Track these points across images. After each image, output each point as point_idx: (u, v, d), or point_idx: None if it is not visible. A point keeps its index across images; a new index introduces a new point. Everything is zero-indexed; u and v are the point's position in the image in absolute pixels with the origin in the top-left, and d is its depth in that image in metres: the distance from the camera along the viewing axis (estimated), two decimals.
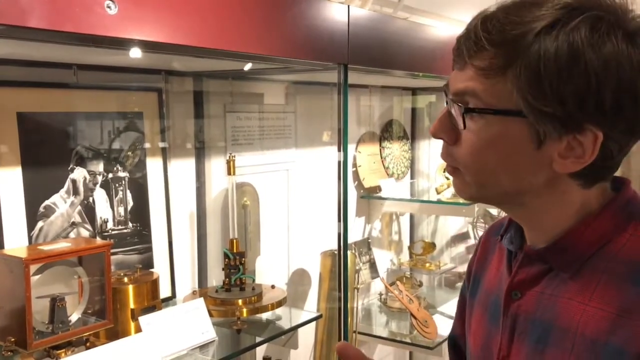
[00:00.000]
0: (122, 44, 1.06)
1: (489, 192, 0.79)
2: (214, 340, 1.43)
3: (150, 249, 1.64)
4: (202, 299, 1.49)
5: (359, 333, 2.29)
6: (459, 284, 2.77)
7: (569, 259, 0.76)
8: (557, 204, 0.77)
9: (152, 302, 1.45)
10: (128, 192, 1.58)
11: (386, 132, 2.61)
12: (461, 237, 3.11)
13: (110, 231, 1.54)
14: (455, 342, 1.08)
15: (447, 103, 0.78)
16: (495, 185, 0.77)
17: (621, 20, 0.69)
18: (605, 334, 0.70)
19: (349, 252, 1.80)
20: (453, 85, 0.76)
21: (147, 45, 1.10)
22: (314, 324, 2.03)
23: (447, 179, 2.57)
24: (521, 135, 0.72)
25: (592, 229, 0.76)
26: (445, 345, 2.16)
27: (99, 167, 1.51)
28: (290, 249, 2.11)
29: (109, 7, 0.94)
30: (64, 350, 1.24)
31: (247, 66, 1.55)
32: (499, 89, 0.71)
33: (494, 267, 0.91)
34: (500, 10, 0.72)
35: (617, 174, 0.80)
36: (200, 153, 1.80)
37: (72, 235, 1.45)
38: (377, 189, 2.48)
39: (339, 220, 1.63)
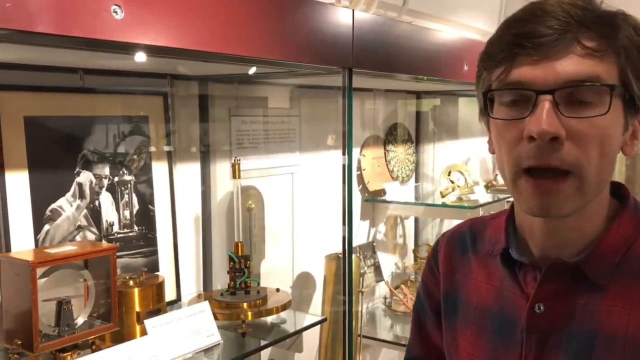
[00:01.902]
0: (128, 48, 1.07)
1: (592, 194, 0.72)
2: (219, 344, 1.44)
3: (155, 252, 1.64)
4: (207, 302, 1.49)
5: (364, 337, 2.29)
6: None
7: (604, 266, 0.75)
8: (597, 205, 0.77)
9: (158, 305, 1.45)
10: (134, 195, 1.58)
11: (390, 136, 2.61)
12: None
13: (115, 234, 1.54)
14: None
15: (534, 102, 0.69)
16: (602, 182, 0.73)
17: None
18: None
19: (353, 256, 1.80)
20: (554, 73, 0.68)
21: (153, 50, 1.10)
22: (318, 327, 2.03)
23: (452, 182, 2.56)
24: (621, 118, 0.72)
25: (620, 235, 0.76)
26: None
27: (105, 170, 1.52)
28: (295, 253, 2.11)
29: (115, 12, 0.95)
30: (70, 353, 1.25)
31: (252, 70, 1.56)
32: (611, 70, 0.70)
33: (480, 281, 0.88)
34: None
35: (623, 177, 0.81)
36: (205, 157, 1.81)
37: (78, 238, 1.45)
38: (382, 192, 2.48)
39: (344, 224, 1.63)
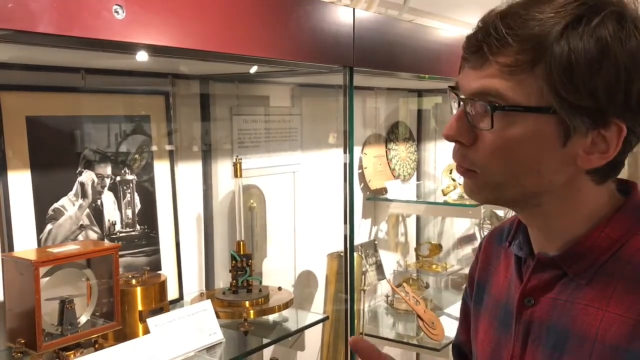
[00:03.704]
0: (129, 48, 1.08)
1: (507, 193, 0.77)
2: (221, 342, 1.44)
3: (157, 251, 1.65)
4: (209, 300, 1.49)
5: (366, 335, 2.29)
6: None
7: (584, 265, 0.75)
8: (572, 204, 0.77)
9: (160, 304, 1.46)
10: (136, 194, 1.59)
11: (392, 134, 2.61)
12: (467, 238, 3.11)
13: (118, 234, 1.55)
14: (460, 349, 1.07)
15: (458, 104, 0.76)
16: (516, 185, 0.75)
17: (639, 15, 0.71)
18: (627, 340, 0.69)
19: (355, 254, 1.80)
20: (469, 84, 0.74)
21: (154, 50, 1.11)
22: (320, 325, 2.03)
23: (454, 180, 2.56)
24: (548, 132, 0.71)
25: (606, 234, 0.75)
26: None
27: (107, 170, 1.52)
28: (296, 251, 2.12)
29: (116, 12, 0.95)
30: (73, 351, 1.26)
31: (253, 69, 1.56)
32: (526, 86, 0.70)
33: (501, 274, 0.91)
34: (517, 6, 0.71)
35: (625, 175, 0.80)
36: (207, 156, 1.81)
37: (80, 237, 1.46)
38: (383, 190, 2.49)
39: (345, 222, 1.63)
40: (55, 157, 1.41)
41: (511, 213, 0.90)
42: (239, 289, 1.66)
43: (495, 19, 0.71)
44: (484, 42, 0.71)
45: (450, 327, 2.21)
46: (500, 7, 0.73)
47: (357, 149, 2.39)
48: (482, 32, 0.72)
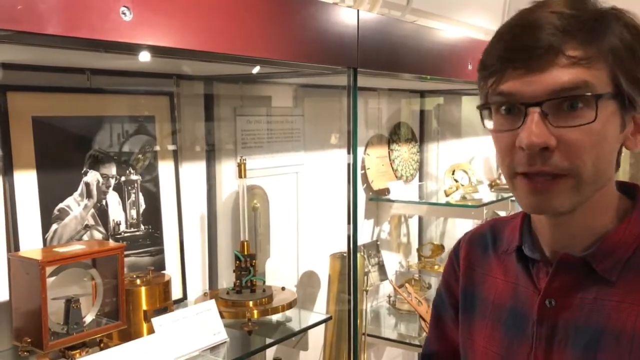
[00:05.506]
0: (136, 49, 1.08)
1: (587, 193, 0.74)
2: (225, 342, 1.45)
3: (162, 251, 1.65)
4: (213, 300, 1.50)
5: (368, 335, 2.30)
6: None
7: (612, 262, 0.76)
8: (609, 197, 0.79)
9: (164, 303, 1.46)
10: (140, 194, 1.60)
11: (394, 135, 2.62)
12: None
13: (122, 234, 1.55)
14: (432, 359, 1.05)
15: (525, 114, 0.72)
16: (596, 182, 0.74)
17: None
18: None
19: (358, 255, 1.80)
20: (542, 85, 0.71)
21: (160, 51, 1.11)
22: (323, 325, 2.04)
23: (456, 181, 2.57)
24: (616, 118, 0.74)
25: (629, 230, 0.77)
26: None
27: (112, 170, 1.53)
28: (299, 251, 2.12)
29: (124, 13, 0.96)
30: (78, 351, 1.26)
31: (256, 69, 1.57)
32: (603, 74, 0.71)
33: (497, 278, 0.90)
34: (556, 4, 0.73)
35: (626, 177, 0.82)
36: (211, 156, 1.82)
37: (85, 237, 1.47)
38: (386, 191, 2.49)
39: (349, 223, 1.64)
40: (60, 157, 1.42)
41: (511, 212, 0.90)
42: (243, 289, 1.66)
43: (551, 19, 0.71)
44: (552, 40, 0.70)
45: None
46: (541, 6, 0.74)
47: (359, 150, 2.39)
48: (546, 31, 0.70)
